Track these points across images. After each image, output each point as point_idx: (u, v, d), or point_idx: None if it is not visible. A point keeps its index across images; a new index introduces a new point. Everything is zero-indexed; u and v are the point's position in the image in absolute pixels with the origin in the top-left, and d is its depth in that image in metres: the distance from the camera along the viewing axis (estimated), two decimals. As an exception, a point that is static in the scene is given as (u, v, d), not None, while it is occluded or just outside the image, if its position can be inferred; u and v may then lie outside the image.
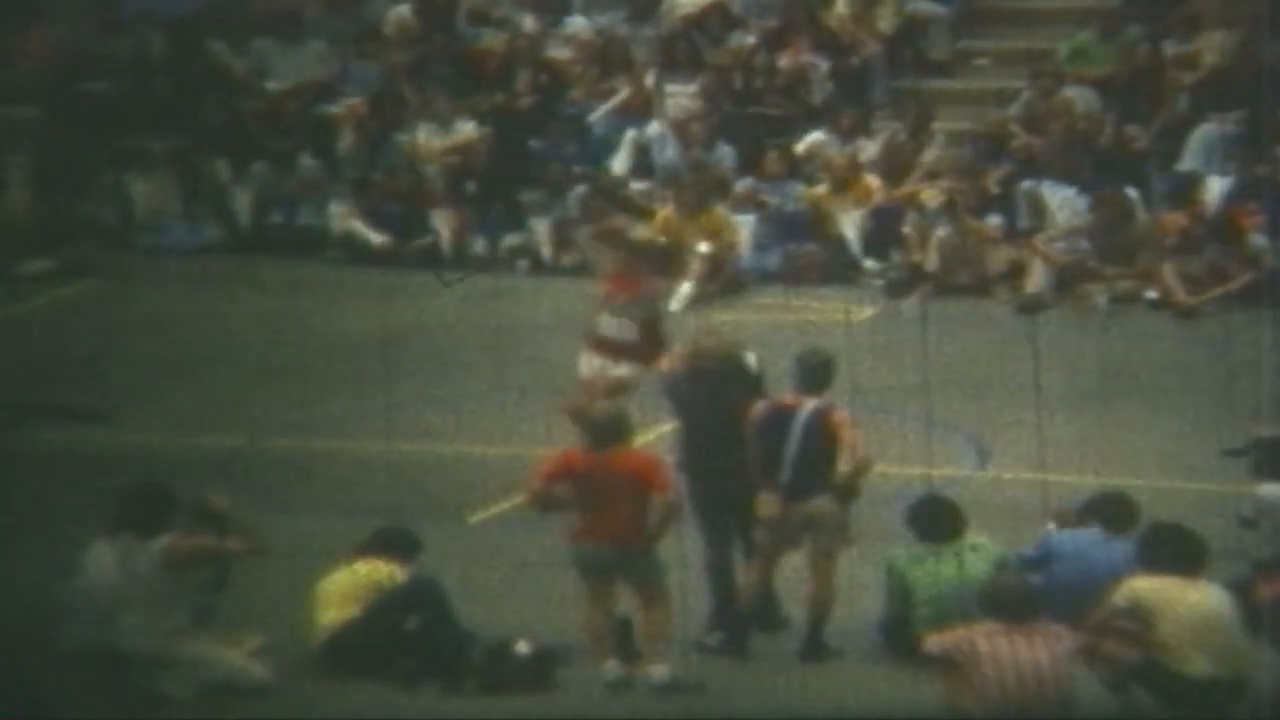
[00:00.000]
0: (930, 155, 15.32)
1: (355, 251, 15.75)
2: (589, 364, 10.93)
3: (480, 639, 9.21)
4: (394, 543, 9.37)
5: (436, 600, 9.15)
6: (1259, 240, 14.07)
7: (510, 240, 15.69)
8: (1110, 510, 9.31)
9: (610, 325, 10.86)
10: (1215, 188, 14.65)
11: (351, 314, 14.45)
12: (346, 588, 9.20)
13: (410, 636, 9.05)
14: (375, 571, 9.22)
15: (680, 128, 15.84)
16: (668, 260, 14.55)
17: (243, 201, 16.28)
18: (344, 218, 15.93)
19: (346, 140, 16.43)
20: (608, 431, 9.05)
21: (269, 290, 15.01)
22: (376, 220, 15.87)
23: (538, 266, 15.44)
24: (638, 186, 15.66)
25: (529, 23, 17.12)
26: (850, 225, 14.99)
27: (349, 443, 11.99)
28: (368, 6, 17.46)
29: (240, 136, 16.48)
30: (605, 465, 9.00)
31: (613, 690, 9.03)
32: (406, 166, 16.13)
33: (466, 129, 16.25)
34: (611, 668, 9.08)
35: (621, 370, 10.69)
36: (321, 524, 10.54)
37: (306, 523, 10.63)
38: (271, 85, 16.84)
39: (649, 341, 10.72)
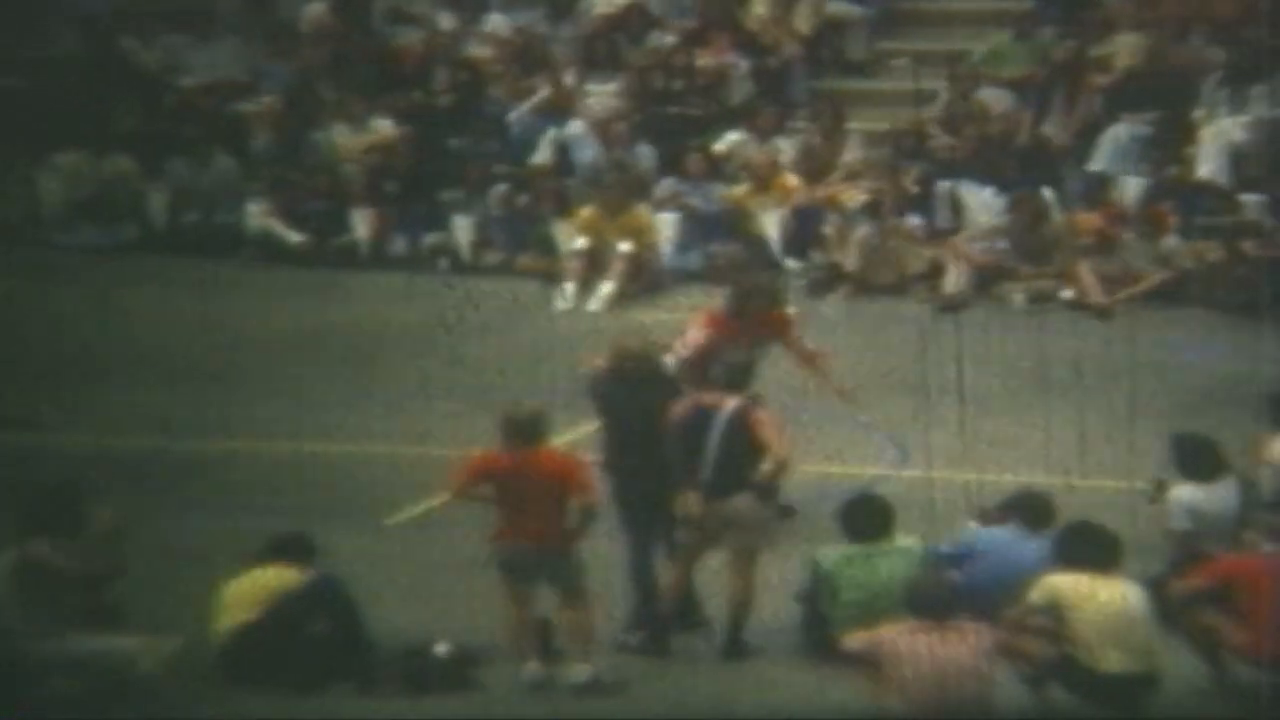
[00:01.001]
0: (849, 155, 15.37)
1: (272, 251, 15.62)
2: None
3: (398, 640, 9.13)
4: (291, 547, 9.28)
5: (340, 601, 9.08)
6: (1171, 241, 14.23)
7: (431, 239, 15.62)
8: (1027, 508, 9.38)
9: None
10: (1129, 188, 14.79)
11: (269, 314, 14.33)
12: (248, 592, 9.11)
13: (313, 640, 8.95)
14: (278, 576, 9.14)
15: (601, 127, 15.82)
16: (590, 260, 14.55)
17: (158, 200, 16.10)
18: (261, 216, 15.79)
19: (262, 139, 16.28)
20: (526, 431, 9.02)
21: (184, 289, 14.85)
22: (294, 219, 15.74)
23: (459, 266, 15.37)
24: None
25: (447, 20, 17.04)
26: (772, 225, 15.02)
27: (266, 443, 11.88)
28: (282, 3, 17.32)
29: (154, 134, 16.29)
30: (524, 465, 8.97)
31: (533, 691, 8.99)
32: (324, 165, 16.01)
33: (385, 128, 16.15)
34: (532, 668, 9.04)
35: None
36: (237, 525, 10.43)
37: (222, 524, 10.53)
38: (185, 82, 16.67)
39: None
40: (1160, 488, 9.57)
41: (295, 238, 15.67)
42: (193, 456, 11.67)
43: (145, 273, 15.20)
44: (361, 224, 15.73)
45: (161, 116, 16.44)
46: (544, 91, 16.24)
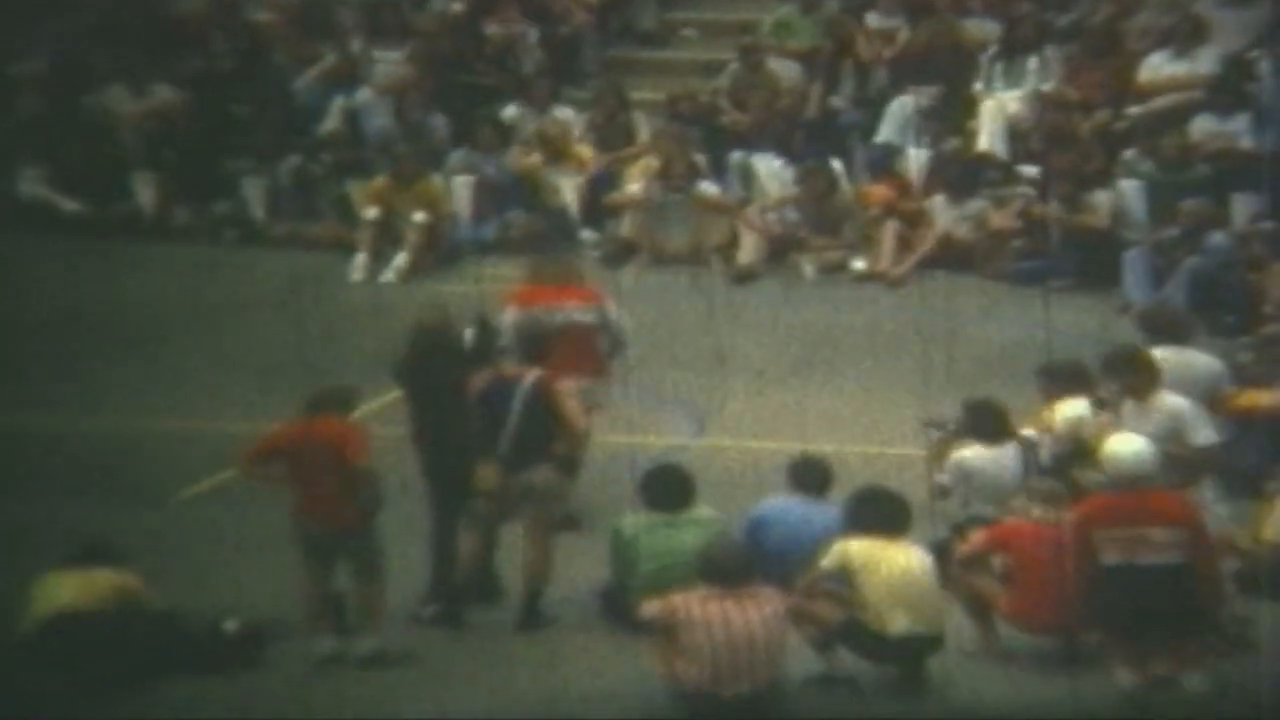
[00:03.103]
0: (639, 126, 15.40)
1: (48, 220, 15.14)
2: None
3: (188, 618, 8.97)
4: (104, 553, 9.07)
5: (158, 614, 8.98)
6: (977, 203, 14.40)
7: (218, 208, 15.29)
8: (805, 474, 9.50)
9: None
10: (913, 159, 15.06)
11: (47, 287, 13.90)
12: (67, 587, 8.88)
13: (130, 633, 8.78)
14: (119, 578, 8.95)
15: (392, 94, 15.62)
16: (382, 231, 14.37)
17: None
18: (34, 183, 15.29)
19: (30, 104, 15.74)
20: (314, 403, 8.91)
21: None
22: (70, 187, 15.27)
23: (247, 236, 15.08)
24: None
25: (225, -18, 16.66)
26: (569, 194, 14.99)
27: (50, 421, 11.54)
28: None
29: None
30: (308, 435, 8.87)
31: (322, 665, 8.89)
32: (100, 131, 15.55)
33: (163, 93, 15.75)
34: (322, 642, 8.94)
35: None
36: (16, 504, 10.13)
37: (6, 502, 10.20)
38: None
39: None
40: (934, 424, 9.78)
41: (71, 206, 15.21)
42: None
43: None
44: (143, 191, 15.33)
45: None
46: (330, 58, 15.99)
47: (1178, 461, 8.88)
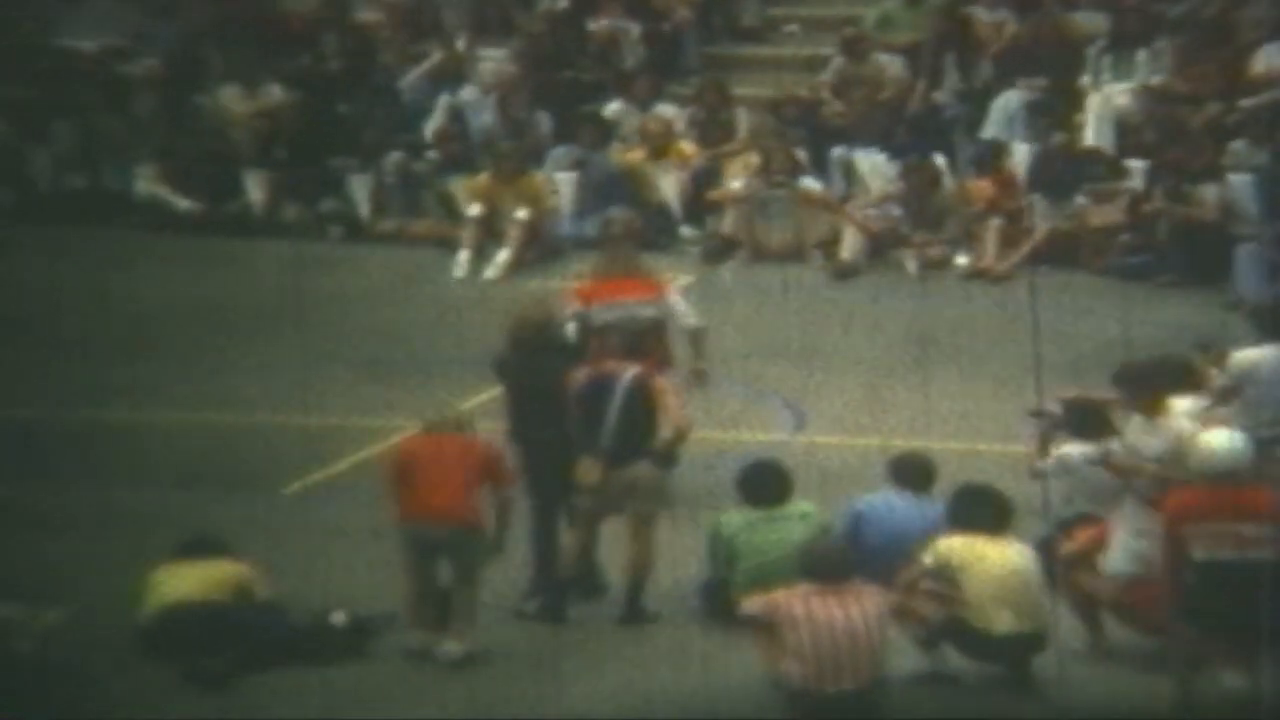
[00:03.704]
0: (741, 122, 15.41)
1: (162, 217, 15.39)
2: None
3: (295, 611, 9.10)
4: (216, 546, 9.22)
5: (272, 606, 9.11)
6: (1080, 200, 14.31)
7: (325, 205, 15.48)
8: (908, 471, 9.46)
9: None
10: (1018, 154, 14.94)
11: (160, 282, 14.14)
12: (196, 579, 9.03)
13: (241, 625, 8.93)
14: (234, 570, 9.09)
15: (497, 92, 15.73)
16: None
17: (40, 164, 15.79)
18: (149, 182, 15.56)
19: (146, 102, 16.01)
20: (448, 425, 9.06)
21: (69, 257, 14.60)
22: (183, 185, 15.53)
23: (353, 233, 15.25)
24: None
25: (334, -17, 16.85)
26: (671, 190, 15.02)
27: (159, 413, 11.74)
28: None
29: (33, 97, 15.96)
30: (442, 448, 8.99)
31: (427, 658, 8.98)
32: (212, 130, 15.79)
33: (273, 92, 15.96)
34: (416, 637, 9.03)
35: None
36: (131, 495, 10.33)
37: (115, 494, 10.41)
38: (63, 44, 16.33)
39: None
40: (1040, 414, 9.70)
41: (185, 204, 15.46)
42: (84, 427, 11.51)
43: (26, 240, 14.92)
44: (253, 189, 15.55)
45: (40, 79, 16.11)
46: (436, 56, 16.12)
47: (1174, 485, 8.55)
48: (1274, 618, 8.29)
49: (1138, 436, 8.84)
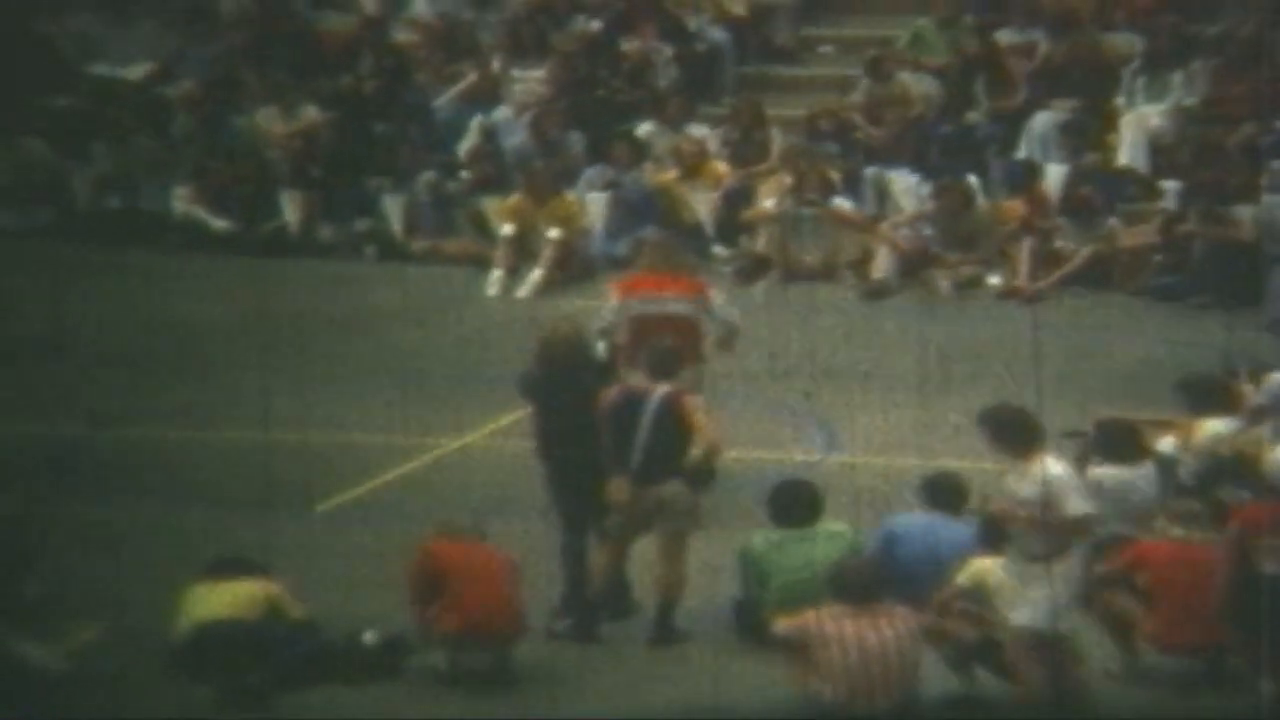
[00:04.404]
0: (774, 142, 15.43)
1: (198, 237, 15.49)
2: None
3: (329, 629, 9.13)
4: (248, 565, 9.27)
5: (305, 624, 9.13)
6: (1111, 221, 14.31)
7: (359, 225, 15.55)
8: (941, 491, 9.44)
9: None
10: (1051, 175, 14.93)
11: (196, 301, 14.22)
12: (215, 598, 9.07)
13: (275, 643, 8.96)
14: (266, 589, 9.12)
15: (530, 112, 15.78)
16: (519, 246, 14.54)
17: (80, 183, 15.92)
18: (186, 202, 15.66)
19: (183, 123, 16.14)
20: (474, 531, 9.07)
21: (107, 276, 14.71)
22: (219, 205, 15.62)
23: (387, 252, 15.32)
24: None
25: (371, 5, 16.95)
26: (704, 210, 15.05)
27: (194, 432, 11.81)
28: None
29: (73, 117, 16.10)
30: (473, 555, 8.98)
31: (459, 677, 9.00)
32: (248, 150, 15.89)
33: (309, 113, 16.06)
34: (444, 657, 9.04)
35: None
36: (165, 513, 10.37)
37: (149, 512, 10.45)
38: (102, 65, 16.48)
39: None
40: (1075, 434, 9.66)
41: (220, 224, 15.55)
42: (120, 445, 11.58)
43: (65, 258, 15.04)
44: (289, 209, 15.64)
45: (80, 99, 16.25)
46: (470, 77, 16.20)
47: (1050, 529, 8.31)
48: None
49: (1012, 484, 8.54)
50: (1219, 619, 8.54)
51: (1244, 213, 13.96)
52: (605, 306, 10.70)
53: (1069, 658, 8.35)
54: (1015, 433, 8.59)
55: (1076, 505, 8.47)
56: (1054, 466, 8.55)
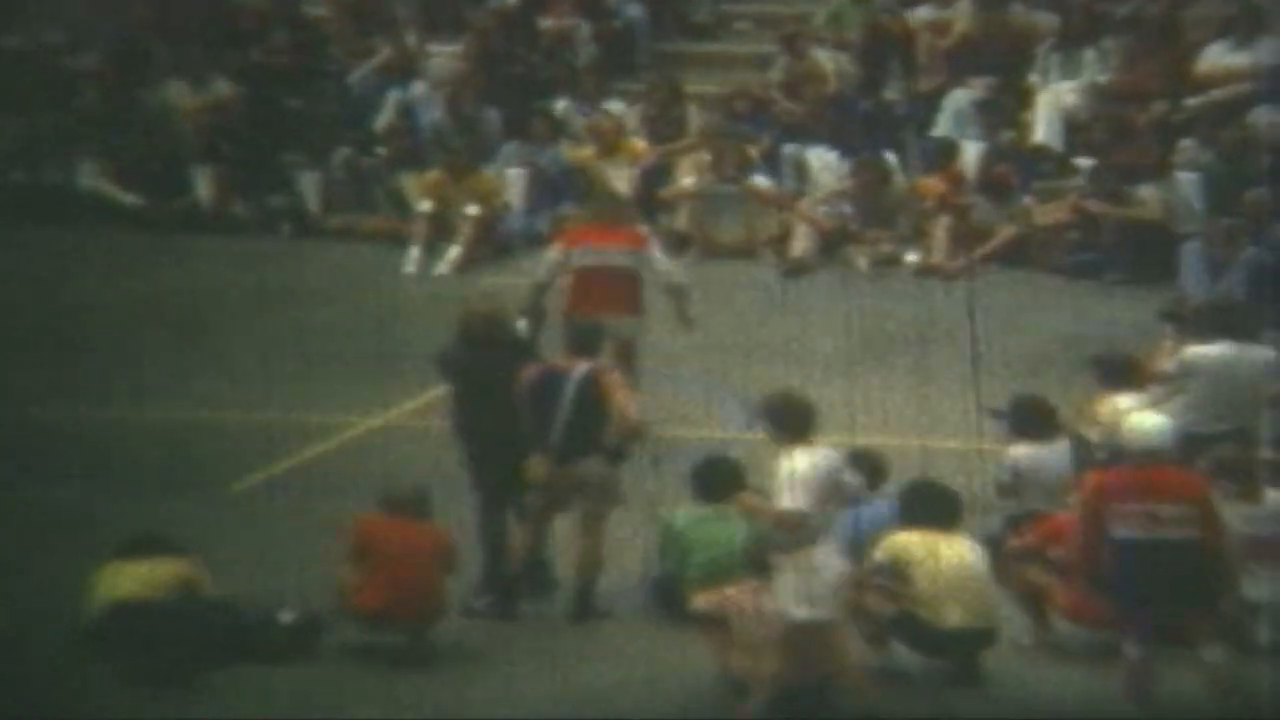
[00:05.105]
0: (692, 119, 15.41)
1: (106, 212, 15.26)
2: None
3: (241, 608, 9.05)
4: (162, 544, 9.14)
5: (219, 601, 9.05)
6: (1025, 200, 14.41)
7: (274, 201, 15.39)
8: (859, 466, 9.47)
9: None
10: (967, 152, 14.99)
11: (106, 278, 14.02)
12: (125, 577, 8.95)
13: (189, 622, 8.86)
14: (180, 568, 9.01)
15: (446, 88, 15.67)
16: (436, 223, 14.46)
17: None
18: (93, 177, 15.43)
19: (89, 97, 15.88)
20: (410, 507, 9.00)
21: (9, 252, 14.45)
22: (128, 180, 15.40)
23: (302, 229, 15.17)
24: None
25: (283, -23, 16.77)
26: (623, 186, 15.01)
27: (104, 411, 11.65)
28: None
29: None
30: (404, 534, 8.91)
31: (375, 656, 8.94)
32: (158, 125, 15.67)
33: (220, 87, 15.86)
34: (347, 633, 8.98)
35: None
36: (81, 494, 10.23)
37: (60, 493, 10.31)
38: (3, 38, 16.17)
39: None
40: (997, 413, 9.73)
41: (130, 199, 15.33)
42: (29, 426, 11.40)
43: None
44: (201, 185, 15.45)
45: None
46: (385, 52, 16.06)
47: (784, 521, 8.12)
48: (1188, 596, 8.34)
49: (781, 468, 8.31)
50: (1081, 585, 8.62)
51: (1149, 191, 14.09)
52: (545, 257, 10.86)
53: (830, 647, 8.28)
54: (789, 419, 8.45)
55: (789, 500, 8.25)
56: (804, 458, 8.25)
